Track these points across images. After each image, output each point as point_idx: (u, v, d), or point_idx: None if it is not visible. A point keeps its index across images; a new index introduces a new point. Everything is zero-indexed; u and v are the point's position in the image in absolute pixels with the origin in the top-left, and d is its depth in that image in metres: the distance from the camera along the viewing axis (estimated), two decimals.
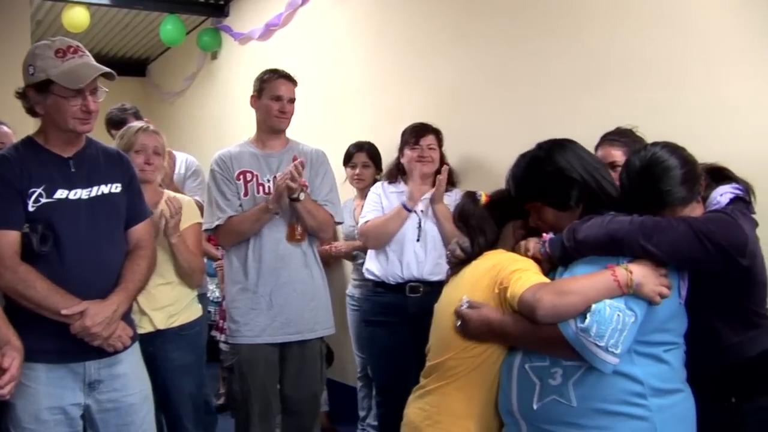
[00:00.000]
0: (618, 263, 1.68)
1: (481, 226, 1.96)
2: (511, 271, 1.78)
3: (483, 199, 2.00)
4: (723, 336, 1.88)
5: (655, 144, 1.83)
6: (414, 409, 1.92)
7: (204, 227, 3.10)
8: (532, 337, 1.71)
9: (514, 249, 1.93)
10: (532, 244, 1.89)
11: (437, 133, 3.39)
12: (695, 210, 1.82)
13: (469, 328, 1.78)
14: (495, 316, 1.75)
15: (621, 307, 1.63)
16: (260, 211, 3.00)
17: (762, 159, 2.34)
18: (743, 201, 1.84)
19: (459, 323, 1.79)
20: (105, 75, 2.22)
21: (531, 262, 1.85)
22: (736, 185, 1.88)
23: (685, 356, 1.81)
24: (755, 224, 1.82)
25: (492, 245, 1.95)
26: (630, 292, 1.64)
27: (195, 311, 3.07)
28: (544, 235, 1.84)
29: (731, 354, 1.89)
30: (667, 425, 1.68)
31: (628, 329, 1.63)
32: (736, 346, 1.89)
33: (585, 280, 1.68)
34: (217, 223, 3.05)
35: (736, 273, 1.78)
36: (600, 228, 1.71)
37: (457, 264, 1.98)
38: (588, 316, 1.62)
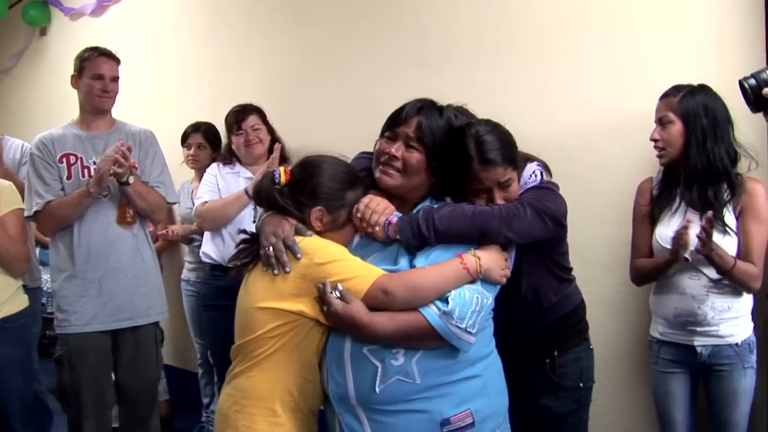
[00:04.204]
0: (467, 250, 1.75)
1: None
2: (329, 263, 1.70)
3: (283, 176, 1.84)
4: (544, 298, 2.09)
5: (478, 121, 1.93)
6: (224, 395, 1.83)
7: (24, 214, 2.93)
8: (401, 336, 1.70)
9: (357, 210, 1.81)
10: (374, 204, 1.80)
11: (259, 112, 3.35)
12: (516, 182, 1.94)
13: (333, 320, 1.69)
14: (362, 316, 1.67)
15: (479, 290, 1.71)
16: (80, 195, 2.87)
17: (579, 134, 2.62)
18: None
19: (325, 308, 1.68)
20: None
21: (338, 247, 1.77)
22: (537, 162, 2.05)
23: (509, 321, 1.91)
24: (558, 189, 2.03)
25: None
26: (480, 277, 1.71)
27: (20, 302, 2.93)
28: (392, 216, 1.79)
29: (552, 312, 2.11)
30: (492, 379, 1.82)
31: (485, 310, 1.72)
32: (556, 305, 2.11)
33: (436, 273, 1.70)
34: (35, 209, 2.89)
35: (559, 236, 2.00)
36: (465, 220, 1.77)
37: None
38: (450, 300, 1.67)
